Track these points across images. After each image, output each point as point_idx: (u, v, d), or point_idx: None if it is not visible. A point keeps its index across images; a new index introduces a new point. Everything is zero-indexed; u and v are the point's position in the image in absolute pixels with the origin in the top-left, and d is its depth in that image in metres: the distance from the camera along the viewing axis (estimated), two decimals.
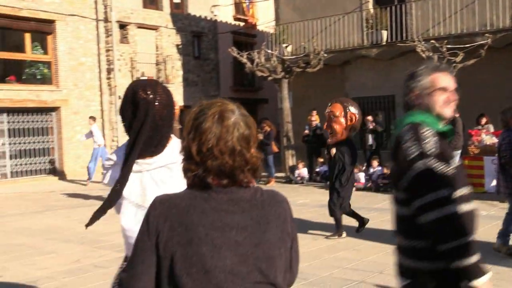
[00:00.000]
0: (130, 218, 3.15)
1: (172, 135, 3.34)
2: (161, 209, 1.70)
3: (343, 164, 8.00)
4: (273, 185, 15.26)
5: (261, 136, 16.03)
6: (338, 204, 7.97)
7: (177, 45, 23.57)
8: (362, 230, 8.00)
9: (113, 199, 3.15)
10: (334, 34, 18.00)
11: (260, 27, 27.17)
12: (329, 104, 8.26)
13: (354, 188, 13.44)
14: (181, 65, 23.69)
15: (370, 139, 14.67)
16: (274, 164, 15.93)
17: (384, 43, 17.06)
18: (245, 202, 1.72)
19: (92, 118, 17.15)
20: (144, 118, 3.14)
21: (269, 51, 17.41)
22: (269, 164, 15.84)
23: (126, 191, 3.11)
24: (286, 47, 18.16)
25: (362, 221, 8.08)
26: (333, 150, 8.15)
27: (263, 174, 16.09)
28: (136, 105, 3.17)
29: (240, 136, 1.70)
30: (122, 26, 21.42)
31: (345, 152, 8.04)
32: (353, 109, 8.02)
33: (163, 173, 3.16)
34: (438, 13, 16.22)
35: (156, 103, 3.21)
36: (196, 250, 1.63)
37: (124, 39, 21.56)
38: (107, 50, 20.85)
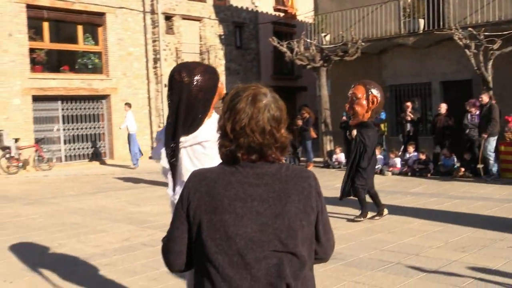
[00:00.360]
0: (170, 188, 3.37)
1: (213, 114, 3.38)
2: (194, 181, 1.84)
3: (364, 146, 7.81)
4: (311, 169, 15.18)
5: (300, 122, 15.98)
6: (362, 185, 7.83)
7: (220, 35, 23.59)
8: (378, 219, 7.85)
9: (175, 172, 3.31)
10: (372, 23, 17.73)
11: (299, 17, 26.96)
12: (352, 86, 8.05)
13: (390, 173, 13.50)
14: (223, 54, 23.72)
15: (408, 126, 14.39)
16: (312, 149, 15.85)
17: (421, 32, 16.72)
18: (270, 176, 1.79)
19: (128, 104, 17.38)
20: (178, 100, 3.23)
21: (308, 40, 17.29)
22: (307, 150, 15.77)
23: (167, 166, 3.29)
24: (325, 36, 17.99)
25: (380, 210, 7.94)
26: (354, 132, 7.99)
27: (302, 159, 16.06)
28: (171, 88, 3.29)
29: (270, 117, 1.78)
30: (168, 17, 21.55)
31: (366, 134, 7.84)
32: (375, 92, 7.75)
33: (197, 150, 3.27)
34: (475, 1, 15.77)
35: (193, 85, 3.26)
36: (220, 217, 1.73)
37: (169, 30, 21.69)
38: (154, 41, 21.02)
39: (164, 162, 3.36)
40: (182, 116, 3.28)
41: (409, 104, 14.53)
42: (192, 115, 3.30)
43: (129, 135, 17.09)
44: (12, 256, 6.38)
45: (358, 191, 7.87)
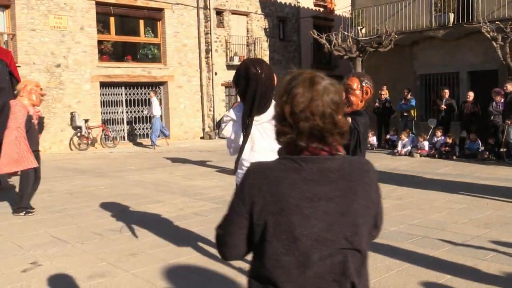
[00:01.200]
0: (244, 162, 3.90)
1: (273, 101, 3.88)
2: (254, 179, 1.63)
3: (358, 132, 7.53)
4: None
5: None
6: None
7: (265, 29, 23.48)
8: None
9: (242, 149, 3.93)
10: (405, 17, 17.35)
11: (337, 12, 26.54)
12: (346, 78, 7.78)
13: (418, 155, 13.25)
14: (268, 46, 23.61)
15: (443, 112, 14.03)
16: None
17: (450, 25, 16.27)
18: (334, 173, 1.59)
19: (154, 91, 17.60)
20: (256, 87, 3.87)
21: (345, 33, 17.05)
22: None
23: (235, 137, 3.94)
24: (361, 29, 17.70)
25: None
26: (349, 119, 7.71)
27: None
28: (248, 78, 3.88)
29: (329, 100, 1.59)
30: (219, 12, 21.56)
31: (359, 121, 7.56)
32: (368, 83, 7.48)
33: (267, 127, 3.90)
34: None
35: (263, 76, 3.92)
36: (286, 219, 1.55)
37: (220, 23, 21.71)
38: (206, 33, 21.08)
39: (232, 135, 4.00)
40: (258, 101, 3.88)
41: (446, 91, 14.21)
42: (265, 100, 3.94)
43: (154, 118, 17.24)
44: (83, 221, 6.58)
45: None
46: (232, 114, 4.01)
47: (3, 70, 8.47)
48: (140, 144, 18.75)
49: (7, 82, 8.50)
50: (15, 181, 8.55)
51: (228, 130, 4.04)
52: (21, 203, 6.94)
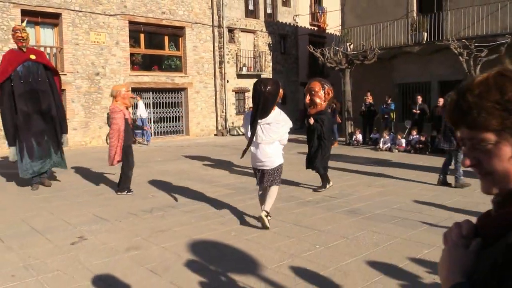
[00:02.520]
0: (254, 149, 5.12)
1: (275, 107, 5.11)
2: None
3: (321, 131, 7.25)
4: (336, 146, 15.02)
5: (329, 111, 15.77)
6: (322, 163, 7.26)
7: (269, 44, 23.39)
8: (321, 191, 7.23)
9: (250, 141, 5.06)
10: (386, 35, 17.25)
11: (329, 30, 26.43)
12: (309, 82, 7.58)
13: (397, 151, 13.20)
14: (271, 58, 23.53)
15: (416, 114, 14.00)
16: (337, 131, 15.65)
17: (424, 42, 16.17)
18: None
19: (139, 95, 16.90)
20: (258, 100, 4.94)
21: (336, 48, 16.96)
22: (333, 131, 15.57)
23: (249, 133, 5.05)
24: (349, 45, 17.59)
25: (325, 184, 7.34)
26: (312, 120, 7.34)
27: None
28: (254, 93, 5.01)
29: None
30: (230, 30, 21.48)
31: (322, 120, 7.28)
32: (329, 86, 7.24)
33: (267, 126, 5.04)
34: (468, 19, 15.15)
35: (266, 92, 4.92)
36: None
37: (231, 39, 21.63)
38: (219, 48, 21.02)
39: (248, 131, 5.11)
40: (260, 108, 4.96)
41: (419, 97, 14.16)
42: (266, 108, 4.98)
43: (141, 120, 16.38)
44: (120, 203, 6.59)
45: (318, 168, 7.35)
46: (247, 115, 5.20)
47: (41, 73, 7.58)
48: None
49: (47, 85, 7.65)
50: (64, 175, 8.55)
51: (244, 125, 5.26)
52: (125, 184, 7.27)
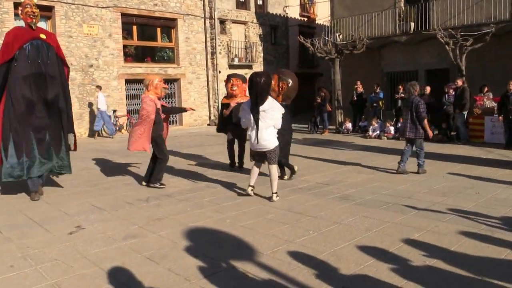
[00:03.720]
0: (250, 131, 5.78)
1: (269, 98, 5.73)
2: None
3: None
4: (327, 134, 15.04)
5: (319, 100, 15.77)
6: (283, 155, 7.00)
7: (259, 35, 23.23)
8: (293, 178, 7.20)
9: (256, 125, 5.68)
10: (374, 25, 17.20)
11: (318, 21, 26.31)
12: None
13: (385, 138, 13.23)
14: (262, 49, 23.38)
15: (399, 102, 14.04)
16: (327, 119, 15.65)
17: (411, 32, 16.16)
18: None
19: (99, 87, 15.69)
20: (255, 92, 5.60)
21: (326, 38, 16.89)
22: (324, 120, 15.59)
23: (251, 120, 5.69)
24: (339, 35, 17.52)
25: (283, 175, 7.18)
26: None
27: (320, 126, 15.89)
28: (251, 85, 5.64)
29: None
30: (222, 21, 21.28)
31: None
32: (285, 79, 7.07)
33: (263, 113, 5.64)
34: (454, 9, 15.16)
35: (261, 83, 5.59)
36: None
37: (223, 31, 21.44)
38: (211, 39, 20.83)
39: (248, 120, 5.74)
40: (259, 98, 5.61)
41: (400, 87, 14.19)
42: (262, 97, 5.63)
43: (100, 112, 15.49)
44: (116, 193, 6.54)
45: (280, 160, 6.94)
46: (245, 106, 5.81)
47: (52, 57, 6.22)
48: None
49: (58, 70, 6.30)
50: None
51: (243, 114, 5.85)
52: (157, 176, 6.87)
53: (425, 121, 7.40)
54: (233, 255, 3.83)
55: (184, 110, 7.64)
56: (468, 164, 8.37)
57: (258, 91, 5.60)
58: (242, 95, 7.97)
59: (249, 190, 6.02)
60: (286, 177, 7.22)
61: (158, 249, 4.03)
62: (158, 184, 6.88)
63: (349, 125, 15.35)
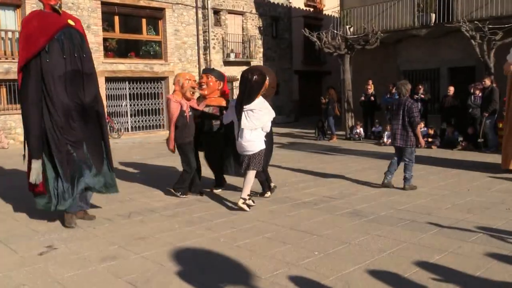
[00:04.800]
0: (238, 136, 6.09)
1: (260, 96, 6.04)
2: None
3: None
4: (335, 141, 15.07)
5: (324, 100, 15.83)
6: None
7: (259, 27, 23.36)
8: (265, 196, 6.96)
9: (239, 124, 6.00)
10: (389, 17, 17.29)
11: (326, 12, 26.47)
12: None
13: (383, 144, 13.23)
14: (261, 43, 23.51)
15: (419, 105, 14.06)
16: (334, 124, 15.67)
17: (432, 24, 16.25)
18: None
19: None
20: (244, 88, 5.96)
21: (335, 31, 16.98)
22: (330, 125, 15.62)
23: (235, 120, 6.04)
24: (349, 28, 17.63)
25: (265, 191, 6.98)
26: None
27: (328, 132, 15.93)
28: (241, 80, 5.98)
29: None
30: (216, 12, 21.41)
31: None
32: (270, 76, 6.73)
33: (251, 113, 5.96)
34: None
35: (252, 80, 5.91)
36: None
37: (217, 22, 21.57)
38: (204, 32, 20.95)
39: (234, 118, 6.08)
40: (246, 95, 5.92)
41: (420, 87, 14.24)
42: (251, 95, 5.92)
43: None
44: (93, 207, 6.51)
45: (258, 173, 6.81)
46: (232, 102, 6.22)
47: (87, 49, 5.57)
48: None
49: (93, 66, 5.67)
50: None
51: (229, 110, 6.31)
52: (179, 184, 6.95)
53: (419, 127, 7.33)
54: (227, 279, 3.82)
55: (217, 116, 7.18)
56: (497, 175, 8.38)
57: (247, 89, 5.91)
58: (214, 96, 7.24)
59: (241, 202, 6.10)
60: (268, 194, 6.96)
61: (141, 272, 4.02)
62: (179, 194, 6.98)
63: (360, 130, 15.39)
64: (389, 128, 13.94)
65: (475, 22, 13.73)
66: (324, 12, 26.78)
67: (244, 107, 5.95)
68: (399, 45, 17.75)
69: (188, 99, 6.81)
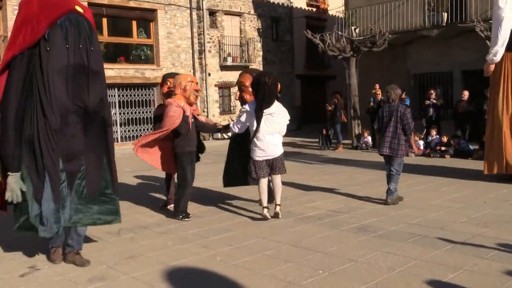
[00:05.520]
0: (259, 142, 6.36)
1: (275, 101, 6.41)
2: None
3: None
4: (341, 151, 15.09)
5: (330, 107, 15.87)
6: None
7: (258, 29, 23.49)
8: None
9: (257, 129, 6.27)
10: (398, 17, 17.42)
11: (330, 12, 26.62)
12: (239, 75, 7.41)
13: (413, 154, 13.28)
14: (261, 46, 23.62)
15: (431, 111, 14.13)
16: (341, 132, 15.71)
17: (444, 24, 16.35)
18: None
19: None
20: (263, 93, 6.26)
21: (339, 33, 17.08)
22: (337, 132, 15.65)
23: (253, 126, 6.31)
24: (355, 29, 17.75)
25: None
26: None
27: (333, 141, 15.95)
28: (258, 85, 6.31)
29: None
30: (212, 13, 21.53)
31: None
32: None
33: (270, 117, 6.31)
34: None
35: (270, 84, 6.28)
36: None
37: (213, 24, 21.69)
38: (199, 34, 21.06)
39: (251, 124, 6.36)
40: (267, 100, 6.26)
41: (432, 91, 14.29)
42: (271, 99, 6.30)
43: None
44: None
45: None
46: (247, 107, 6.35)
47: (96, 41, 4.94)
48: None
49: (102, 63, 5.03)
50: None
51: (243, 117, 6.44)
52: (178, 207, 6.59)
53: (413, 134, 7.55)
54: None
55: (218, 130, 7.22)
56: None
57: (266, 93, 6.25)
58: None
59: (265, 212, 6.42)
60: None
61: None
62: (181, 216, 6.58)
63: (368, 138, 15.41)
64: (376, 136, 13.98)
65: (490, 21, 13.79)
66: (327, 12, 26.94)
67: (265, 111, 6.27)
68: (409, 47, 17.85)
69: (191, 104, 6.60)
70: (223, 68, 21.68)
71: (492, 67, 8.76)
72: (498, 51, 8.52)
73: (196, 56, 20.92)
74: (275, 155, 6.41)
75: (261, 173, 6.41)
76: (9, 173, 4.54)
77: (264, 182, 6.45)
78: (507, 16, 8.38)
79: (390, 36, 16.09)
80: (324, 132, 16.01)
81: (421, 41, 17.28)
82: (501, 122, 8.71)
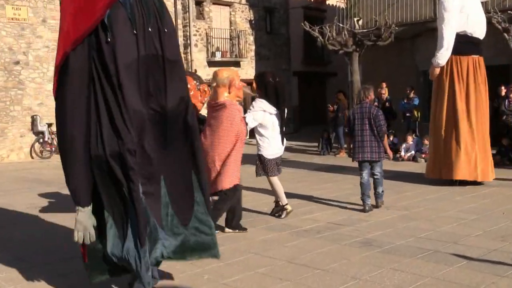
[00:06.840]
0: (273, 139, 7.08)
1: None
2: None
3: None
4: (343, 156, 15.11)
5: (331, 108, 15.90)
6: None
7: (250, 21, 23.53)
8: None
9: (281, 128, 7.11)
10: (405, 7, 17.47)
11: (330, 2, 26.72)
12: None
13: (423, 160, 13.27)
14: (253, 40, 23.66)
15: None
16: (343, 136, 15.75)
17: None
18: None
19: None
20: (277, 92, 6.95)
21: (341, 25, 17.14)
22: (339, 136, 15.67)
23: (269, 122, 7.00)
24: (357, 21, 17.81)
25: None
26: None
27: (334, 145, 15.98)
28: (266, 85, 6.96)
29: None
30: (198, 2, 21.56)
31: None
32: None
33: (278, 115, 6.99)
34: None
35: (281, 82, 7.08)
36: None
37: (200, 15, 21.71)
38: (184, 26, 21.06)
39: (264, 120, 6.90)
40: (281, 98, 7.00)
41: None
42: (284, 97, 7.11)
43: None
44: (50, 240, 6.48)
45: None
46: (266, 106, 6.86)
47: (169, 21, 4.17)
48: None
49: (179, 49, 4.38)
50: None
51: (260, 115, 6.87)
52: (215, 216, 5.90)
53: (386, 137, 7.80)
54: None
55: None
56: None
57: (279, 92, 6.97)
58: (199, 104, 7.43)
59: (289, 207, 7.29)
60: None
61: None
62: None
63: None
64: (408, 140, 14.04)
65: (509, 12, 13.86)
66: (327, 2, 27.04)
67: (277, 111, 6.99)
68: (417, 40, 17.90)
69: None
70: (211, 64, 21.65)
71: (438, 70, 9.24)
72: (443, 54, 8.99)
73: (181, 50, 20.88)
74: (281, 153, 7.30)
75: (274, 170, 7.13)
76: (79, 207, 3.91)
77: (277, 179, 7.19)
78: (453, 18, 8.79)
79: (396, 28, 16.14)
80: (326, 135, 16.03)
81: (430, 34, 17.25)
82: (441, 126, 9.43)
